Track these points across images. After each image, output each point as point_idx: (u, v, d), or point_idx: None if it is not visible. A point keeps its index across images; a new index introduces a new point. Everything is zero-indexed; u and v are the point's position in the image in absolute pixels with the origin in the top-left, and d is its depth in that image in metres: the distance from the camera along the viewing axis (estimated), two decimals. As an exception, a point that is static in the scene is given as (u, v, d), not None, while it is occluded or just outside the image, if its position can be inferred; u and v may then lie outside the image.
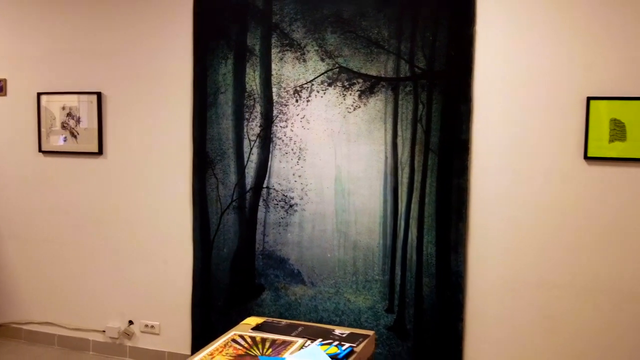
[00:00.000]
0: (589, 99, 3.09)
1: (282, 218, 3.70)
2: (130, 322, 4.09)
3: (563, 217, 3.18)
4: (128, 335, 4.09)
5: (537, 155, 3.20)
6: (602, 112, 3.08)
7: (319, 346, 1.98)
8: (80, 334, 4.23)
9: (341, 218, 3.58)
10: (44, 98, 4.16)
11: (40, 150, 4.20)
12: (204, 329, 3.89)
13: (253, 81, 3.70)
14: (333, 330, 2.25)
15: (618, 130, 3.08)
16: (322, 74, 3.56)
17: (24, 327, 4.38)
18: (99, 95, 4.03)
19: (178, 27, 3.83)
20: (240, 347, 2.07)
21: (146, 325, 4.05)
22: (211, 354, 2.00)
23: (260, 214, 3.74)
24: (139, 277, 4.05)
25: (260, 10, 3.66)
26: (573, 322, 3.20)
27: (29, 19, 4.18)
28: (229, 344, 2.10)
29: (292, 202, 3.67)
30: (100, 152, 4.07)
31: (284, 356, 1.90)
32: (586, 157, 3.12)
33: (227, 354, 2.01)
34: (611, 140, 3.09)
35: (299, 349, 1.96)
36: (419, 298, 3.45)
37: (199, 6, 3.78)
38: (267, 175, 3.71)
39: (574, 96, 3.12)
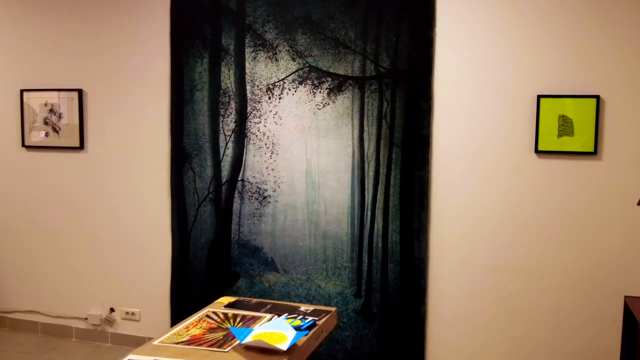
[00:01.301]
0: (539, 96, 3.33)
1: (256, 209, 3.91)
2: (112, 310, 4.27)
3: (515, 206, 3.42)
4: (109, 322, 4.27)
5: (492, 149, 3.44)
6: (551, 109, 3.33)
7: (285, 319, 2.20)
8: (63, 321, 4.40)
9: (312, 209, 3.80)
10: (26, 95, 4.31)
11: (23, 145, 4.36)
12: (182, 315, 4.09)
13: (228, 79, 3.89)
14: (299, 307, 2.46)
15: (566, 126, 3.32)
16: (293, 72, 3.77)
17: (8, 315, 4.55)
18: (79, 92, 4.20)
19: (155, 27, 4.00)
20: (214, 322, 2.28)
21: (127, 312, 4.23)
22: (186, 327, 2.21)
23: (236, 206, 3.94)
24: (119, 266, 4.23)
25: (234, 12, 3.85)
26: (524, 302, 3.45)
27: (11, 17, 4.33)
28: (203, 319, 2.31)
29: (266, 194, 3.88)
30: (81, 146, 4.24)
31: (253, 327, 2.12)
32: (537, 151, 3.36)
33: (201, 327, 2.22)
34: (560, 135, 3.33)
35: (267, 322, 2.18)
36: (385, 283, 3.68)
37: (176, 7, 3.96)
38: (242, 169, 3.91)
39: (526, 94, 3.36)
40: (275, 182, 3.86)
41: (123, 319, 4.25)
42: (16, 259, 4.50)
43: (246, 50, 3.84)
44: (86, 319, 4.32)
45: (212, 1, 3.87)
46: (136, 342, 4.20)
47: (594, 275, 3.32)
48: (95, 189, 4.24)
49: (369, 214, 3.69)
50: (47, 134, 4.29)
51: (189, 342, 2.09)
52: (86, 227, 4.29)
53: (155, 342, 2.10)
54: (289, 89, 3.78)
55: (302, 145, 3.79)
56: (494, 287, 3.51)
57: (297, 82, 3.77)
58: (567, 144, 3.32)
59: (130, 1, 4.05)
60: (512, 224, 3.44)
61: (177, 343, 2.09)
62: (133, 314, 4.22)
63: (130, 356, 1.97)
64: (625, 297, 2.87)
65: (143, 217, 4.14)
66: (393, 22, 3.56)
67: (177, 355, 1.97)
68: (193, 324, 2.26)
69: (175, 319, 4.10)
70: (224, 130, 3.93)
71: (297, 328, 2.17)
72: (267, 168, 3.86)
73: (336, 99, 3.70)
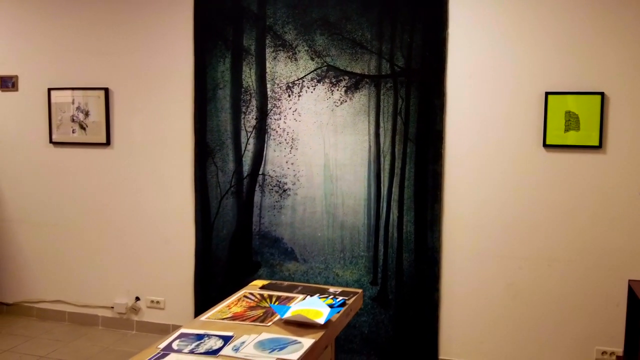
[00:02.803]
0: (547, 93, 3.53)
1: (276, 202, 4.10)
2: (137, 299, 4.47)
3: (524, 197, 3.63)
4: (135, 310, 4.47)
5: (502, 144, 3.64)
6: (559, 105, 3.53)
7: (318, 298, 2.39)
8: (90, 310, 4.60)
9: (329, 201, 4.00)
10: (54, 93, 4.51)
11: (51, 142, 4.56)
12: (205, 303, 4.29)
13: (249, 78, 4.09)
14: (328, 289, 2.66)
15: (572, 121, 3.52)
16: (312, 71, 3.96)
17: (36, 305, 4.74)
18: (106, 90, 4.39)
19: (179, 29, 4.20)
20: (252, 301, 2.48)
21: (152, 301, 4.43)
22: (228, 306, 2.41)
23: (257, 198, 4.14)
24: (144, 257, 4.43)
25: (254, 14, 4.04)
26: (533, 288, 3.66)
27: (39, 18, 4.52)
28: (242, 299, 2.51)
29: (286, 187, 4.08)
30: (108, 142, 4.43)
31: (290, 305, 2.32)
32: (545, 145, 3.56)
33: (241, 305, 2.42)
34: (566, 130, 3.53)
35: (302, 301, 2.38)
36: (400, 271, 3.88)
37: (199, 10, 4.15)
38: (262, 163, 4.11)
39: (534, 91, 3.56)
40: (294, 175, 4.05)
41: (148, 307, 4.45)
42: (44, 251, 4.69)
43: (267, 50, 4.04)
44: (112, 307, 4.52)
45: (234, 4, 4.07)
46: (161, 330, 4.39)
47: (598, 262, 3.53)
48: (121, 183, 4.44)
49: (385, 205, 3.89)
50: (74, 131, 4.48)
51: (233, 318, 2.29)
52: (112, 220, 4.48)
53: (203, 319, 2.30)
54: (308, 87, 3.98)
55: (320, 141, 3.98)
56: (503, 274, 3.71)
57: (315, 80, 3.96)
58: (573, 138, 3.52)
59: (155, 4, 4.24)
60: (521, 215, 3.64)
61: (223, 319, 2.29)
62: (158, 302, 4.42)
63: (182, 329, 2.17)
64: (630, 281, 3.07)
65: (167, 209, 4.34)
66: (407, 23, 3.75)
67: (226, 328, 2.17)
68: (234, 303, 2.46)
69: (199, 307, 4.30)
70: (245, 127, 4.12)
71: (330, 306, 2.37)
72: (286, 162, 4.06)
73: (353, 96, 3.89)
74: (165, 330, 4.38)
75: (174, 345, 2.03)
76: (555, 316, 3.64)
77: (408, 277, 3.87)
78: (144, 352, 1.97)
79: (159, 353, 1.97)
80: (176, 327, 4.36)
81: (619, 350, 3.46)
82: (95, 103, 4.42)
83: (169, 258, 4.37)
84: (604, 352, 3.57)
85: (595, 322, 3.57)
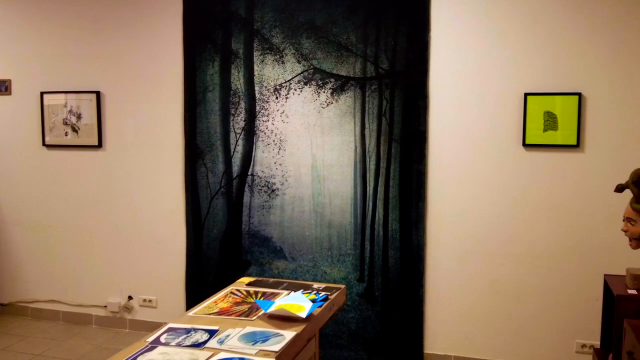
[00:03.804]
0: (526, 94, 3.64)
1: (265, 201, 4.20)
2: (130, 297, 4.56)
3: (505, 195, 3.73)
4: (128, 309, 4.56)
5: (484, 143, 3.75)
6: (538, 106, 3.64)
7: (302, 294, 2.49)
8: (83, 309, 4.69)
9: (317, 200, 4.09)
10: (46, 97, 4.59)
11: (44, 144, 4.64)
12: (197, 301, 4.37)
13: (238, 81, 4.18)
14: (312, 285, 2.76)
15: (551, 121, 3.63)
16: (299, 74, 4.06)
17: (30, 305, 4.83)
18: (97, 94, 4.48)
19: (169, 33, 4.29)
20: (238, 297, 2.57)
21: (144, 300, 4.52)
22: (215, 302, 2.51)
23: (246, 198, 4.23)
24: (136, 257, 4.52)
25: (243, 18, 4.14)
26: (515, 284, 3.76)
27: (32, 23, 4.60)
28: (228, 295, 2.61)
29: (274, 187, 4.17)
30: (100, 145, 4.52)
31: (274, 300, 2.41)
32: (524, 145, 3.67)
33: (227, 301, 2.52)
34: (545, 130, 3.64)
35: (286, 296, 2.48)
36: (386, 268, 3.98)
37: (188, 14, 4.24)
38: (251, 164, 4.20)
39: (514, 92, 3.67)
40: (283, 176, 4.15)
41: (141, 306, 4.54)
42: (38, 252, 4.78)
43: (255, 53, 4.13)
44: (105, 306, 4.61)
45: (223, 8, 4.16)
46: (153, 328, 4.47)
47: (577, 257, 3.64)
48: (113, 184, 4.53)
49: (371, 204, 3.99)
50: (66, 134, 4.57)
51: (219, 313, 2.39)
52: (105, 221, 4.57)
53: (190, 314, 2.40)
54: (295, 89, 4.07)
55: (307, 142, 4.08)
56: (486, 270, 3.81)
57: (302, 82, 4.06)
58: (552, 137, 3.62)
59: (145, 9, 4.33)
60: (503, 212, 3.75)
61: (209, 314, 2.38)
62: (150, 301, 4.51)
63: (170, 324, 2.26)
64: (605, 275, 3.17)
65: (159, 210, 4.43)
66: (391, 27, 3.85)
67: (212, 323, 2.27)
68: (220, 299, 2.56)
69: (190, 305, 4.39)
70: (234, 129, 4.22)
71: (312, 301, 2.47)
72: (275, 163, 4.15)
73: (339, 98, 3.99)
74: (157, 328, 4.44)
75: (162, 339, 2.12)
76: (537, 311, 3.75)
77: (394, 274, 3.97)
78: (133, 346, 2.06)
79: (147, 346, 2.06)
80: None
81: (598, 343, 3.56)
82: (87, 106, 4.51)
83: (160, 257, 4.46)
84: (583, 345, 3.68)
85: (575, 317, 3.68)
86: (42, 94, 4.60)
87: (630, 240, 2.89)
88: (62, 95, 4.56)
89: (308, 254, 4.14)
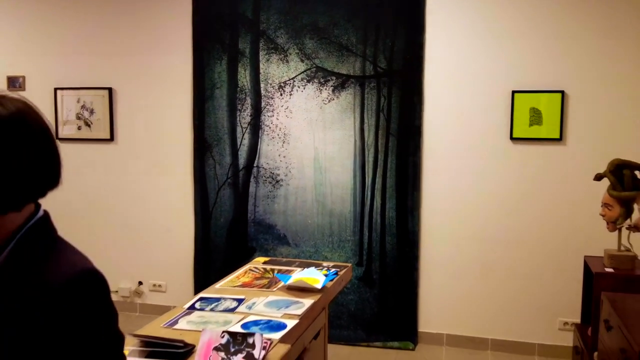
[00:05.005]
0: (513, 92, 3.95)
1: (270, 192, 4.48)
2: (140, 283, 4.81)
3: (494, 185, 4.05)
4: (138, 293, 4.82)
5: (474, 137, 4.06)
6: (524, 102, 3.95)
7: (315, 269, 2.78)
8: (95, 295, 4.92)
9: (319, 190, 4.38)
10: (59, 93, 4.83)
11: (57, 138, 4.88)
12: (205, 286, 4.63)
13: (244, 78, 4.46)
14: (322, 263, 3.05)
15: (536, 117, 3.95)
16: (302, 72, 4.34)
17: (43, 291, 5.05)
18: (110, 90, 4.73)
19: (179, 33, 4.55)
20: (257, 273, 2.86)
21: (154, 285, 4.79)
22: (237, 277, 2.79)
23: (252, 189, 4.51)
24: (147, 245, 4.77)
25: (249, 20, 4.41)
26: (503, 267, 4.08)
27: (46, 22, 4.84)
28: (248, 272, 2.89)
29: (278, 178, 4.45)
30: (111, 138, 4.77)
31: (291, 275, 2.70)
32: (512, 138, 3.99)
33: (248, 276, 2.80)
34: (531, 124, 3.96)
35: (301, 271, 2.77)
36: (383, 253, 4.28)
37: (197, 15, 4.51)
38: (257, 157, 4.48)
39: (502, 90, 3.99)
40: (286, 167, 4.43)
41: (151, 290, 4.80)
42: (51, 240, 5.00)
43: (260, 53, 4.41)
44: (117, 291, 4.86)
45: (230, 10, 4.43)
46: (163, 311, 4.70)
47: (560, 242, 3.96)
48: (124, 176, 4.78)
49: (369, 194, 4.28)
50: (79, 128, 4.81)
51: (242, 286, 2.67)
52: (116, 210, 4.82)
53: (217, 287, 2.67)
54: (299, 87, 4.35)
55: (310, 136, 4.36)
56: (477, 254, 4.13)
57: (305, 80, 4.34)
58: (537, 131, 3.94)
59: (157, 10, 4.59)
60: (492, 200, 4.06)
61: (234, 287, 2.66)
62: (160, 286, 4.77)
63: (201, 294, 2.54)
64: (585, 256, 3.49)
65: (169, 200, 4.69)
66: (389, 29, 4.15)
67: (237, 293, 2.55)
68: (241, 275, 2.84)
69: (198, 289, 4.64)
70: (240, 123, 4.49)
71: (325, 275, 2.75)
72: (279, 156, 4.43)
73: (340, 95, 4.28)
74: (167, 311, 4.71)
75: (197, 306, 2.40)
76: (523, 292, 4.07)
77: (390, 259, 4.27)
78: (173, 310, 2.34)
79: (184, 311, 2.34)
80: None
81: (579, 321, 3.89)
82: (100, 102, 4.75)
83: (170, 245, 4.72)
84: (565, 323, 4.01)
85: (558, 296, 4.00)
86: (55, 90, 4.84)
87: (607, 224, 3.22)
88: (75, 92, 4.80)
89: (310, 240, 4.42)
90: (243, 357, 1.79)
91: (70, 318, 1.05)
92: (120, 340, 1.15)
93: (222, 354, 1.80)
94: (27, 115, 1.12)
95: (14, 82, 4.95)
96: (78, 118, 4.82)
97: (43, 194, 1.17)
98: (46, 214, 1.22)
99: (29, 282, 1.08)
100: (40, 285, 1.07)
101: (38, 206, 1.21)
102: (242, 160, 4.51)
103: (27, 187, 1.12)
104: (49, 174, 1.16)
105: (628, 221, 3.13)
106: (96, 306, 1.10)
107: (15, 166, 1.08)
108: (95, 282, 1.11)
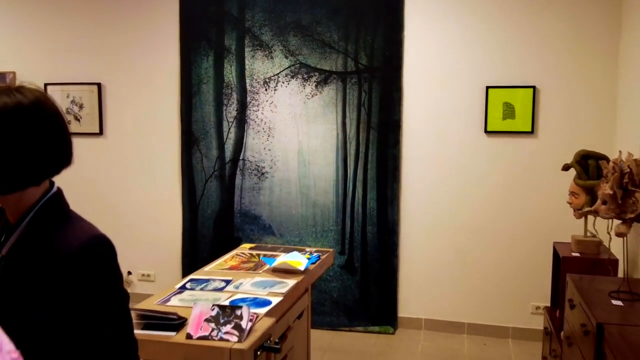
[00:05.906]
0: (487, 87, 4.15)
1: (255, 184, 4.64)
2: (129, 273, 4.95)
3: (470, 176, 4.24)
4: (127, 283, 4.96)
5: (450, 130, 4.25)
6: (497, 97, 4.15)
7: (298, 253, 2.95)
8: (85, 285, 5.05)
9: (303, 182, 4.55)
10: (50, 88, 4.95)
11: (48, 132, 4.99)
12: (192, 275, 4.80)
13: (230, 74, 4.61)
14: (305, 249, 3.22)
15: (509, 111, 4.15)
16: (286, 68, 4.51)
17: (34, 282, 5.17)
18: (99, 85, 4.86)
19: (167, 30, 4.69)
20: (244, 257, 3.02)
21: (143, 274, 4.93)
22: (225, 261, 2.96)
23: (238, 181, 4.67)
24: (136, 236, 4.91)
25: (235, 17, 4.57)
26: (478, 254, 4.28)
27: (36, 18, 4.96)
28: (234, 256, 3.05)
29: (264, 170, 4.61)
30: (101, 132, 4.90)
31: (276, 258, 2.87)
32: (486, 131, 4.18)
33: (235, 260, 2.96)
34: (504, 118, 4.16)
35: (285, 255, 2.94)
36: (364, 242, 4.47)
37: (185, 13, 4.65)
38: (242, 150, 4.64)
39: (477, 85, 4.18)
40: (271, 160, 4.59)
41: (139, 280, 4.94)
42: (41, 232, 5.12)
43: (246, 49, 4.57)
44: (106, 281, 4.98)
45: (217, 8, 4.58)
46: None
47: (531, 229, 4.17)
48: (113, 169, 4.91)
49: (351, 185, 4.46)
50: (69, 122, 4.93)
51: (230, 269, 2.84)
52: (105, 202, 4.95)
53: (206, 269, 2.84)
54: (283, 82, 4.52)
55: (294, 129, 4.53)
56: (453, 242, 4.32)
57: (289, 76, 4.50)
58: (510, 125, 4.14)
59: (145, 7, 4.73)
60: (467, 191, 4.26)
61: (222, 269, 2.83)
62: (148, 275, 4.91)
63: (190, 276, 2.70)
64: (554, 242, 3.69)
65: (157, 193, 4.84)
66: (370, 27, 4.33)
67: (225, 275, 2.72)
68: (229, 259, 3.00)
69: (186, 279, 4.80)
70: (227, 118, 4.65)
71: (308, 259, 2.93)
72: (264, 149, 4.60)
73: (322, 90, 4.45)
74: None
75: (187, 286, 2.56)
76: (497, 277, 4.27)
77: (371, 247, 4.45)
78: (165, 290, 2.50)
79: (176, 291, 2.50)
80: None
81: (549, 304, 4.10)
82: (89, 97, 4.89)
83: (158, 236, 4.87)
84: (537, 307, 4.22)
85: (531, 282, 4.21)
86: (45, 85, 4.95)
87: (574, 211, 3.42)
88: (65, 87, 4.92)
89: (294, 230, 4.59)
90: (232, 327, 1.95)
91: (84, 278, 1.22)
92: (126, 297, 1.31)
93: (213, 325, 1.97)
94: (44, 103, 1.28)
95: (4, 78, 5.06)
96: (68, 113, 4.94)
97: (58, 171, 1.33)
98: (59, 190, 1.38)
99: (46, 249, 1.24)
100: (57, 251, 1.24)
101: (52, 183, 1.37)
102: (228, 154, 4.67)
103: (45, 165, 1.28)
104: (63, 153, 1.32)
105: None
106: (106, 267, 1.27)
107: (35, 146, 1.24)
108: (103, 245, 1.29)
